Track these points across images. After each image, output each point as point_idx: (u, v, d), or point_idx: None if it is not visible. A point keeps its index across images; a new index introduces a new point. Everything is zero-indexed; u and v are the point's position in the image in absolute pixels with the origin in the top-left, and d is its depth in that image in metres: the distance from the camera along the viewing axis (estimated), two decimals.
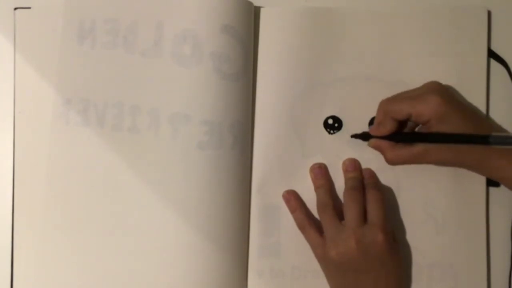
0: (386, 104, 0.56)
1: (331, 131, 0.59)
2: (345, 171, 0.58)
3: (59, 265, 0.57)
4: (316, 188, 0.58)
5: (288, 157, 0.59)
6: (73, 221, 0.57)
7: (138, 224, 0.57)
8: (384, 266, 0.54)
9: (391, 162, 0.57)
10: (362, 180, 0.57)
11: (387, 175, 0.58)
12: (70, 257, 0.57)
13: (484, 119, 0.58)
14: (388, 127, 0.56)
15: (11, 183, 0.59)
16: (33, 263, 0.57)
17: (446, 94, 0.54)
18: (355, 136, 0.58)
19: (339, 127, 0.59)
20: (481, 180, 0.58)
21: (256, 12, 0.60)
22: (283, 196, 0.58)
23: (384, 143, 0.56)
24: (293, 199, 0.58)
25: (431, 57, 0.59)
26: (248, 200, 0.59)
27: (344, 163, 0.59)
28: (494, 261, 0.58)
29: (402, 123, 0.56)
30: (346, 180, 0.58)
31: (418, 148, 0.55)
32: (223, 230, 0.57)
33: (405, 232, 0.58)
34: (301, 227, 0.57)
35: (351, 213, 0.55)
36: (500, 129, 0.59)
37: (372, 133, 0.57)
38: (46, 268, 0.57)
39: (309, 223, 0.56)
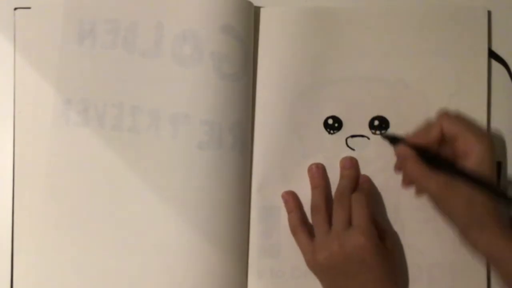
0: (447, 118, 0.52)
1: (331, 131, 0.59)
2: (342, 167, 0.58)
3: (59, 265, 0.57)
4: (313, 189, 0.58)
5: (288, 157, 0.59)
6: (73, 221, 0.57)
7: (138, 225, 0.57)
8: (371, 270, 0.52)
9: (410, 173, 0.53)
10: (356, 180, 0.57)
11: (387, 175, 0.58)
12: (70, 257, 0.57)
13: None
14: (433, 134, 0.52)
15: (11, 183, 0.59)
16: (33, 263, 0.57)
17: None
18: (385, 136, 0.55)
19: (339, 127, 0.59)
20: None
21: (256, 12, 0.60)
22: (282, 196, 0.58)
23: (412, 153, 0.53)
24: (291, 200, 0.58)
25: (431, 57, 0.59)
26: (248, 200, 0.59)
27: (341, 161, 0.58)
28: None
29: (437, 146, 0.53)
30: (340, 178, 0.58)
31: (441, 177, 0.51)
32: (223, 231, 0.57)
33: (405, 232, 0.58)
34: (293, 232, 0.57)
35: (337, 217, 0.54)
36: None
37: (412, 140, 0.53)
38: (46, 268, 0.57)
39: (301, 228, 0.56)
